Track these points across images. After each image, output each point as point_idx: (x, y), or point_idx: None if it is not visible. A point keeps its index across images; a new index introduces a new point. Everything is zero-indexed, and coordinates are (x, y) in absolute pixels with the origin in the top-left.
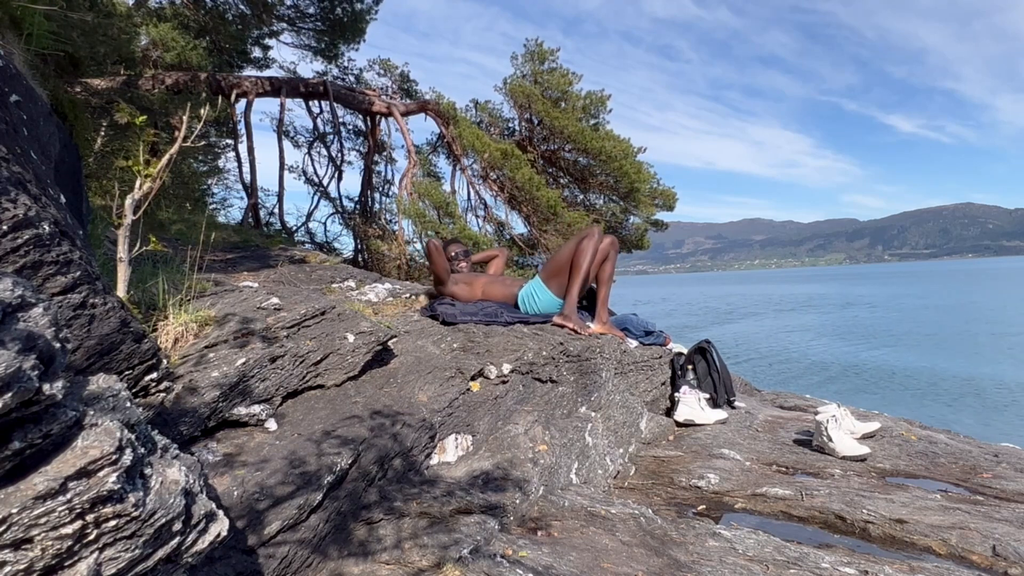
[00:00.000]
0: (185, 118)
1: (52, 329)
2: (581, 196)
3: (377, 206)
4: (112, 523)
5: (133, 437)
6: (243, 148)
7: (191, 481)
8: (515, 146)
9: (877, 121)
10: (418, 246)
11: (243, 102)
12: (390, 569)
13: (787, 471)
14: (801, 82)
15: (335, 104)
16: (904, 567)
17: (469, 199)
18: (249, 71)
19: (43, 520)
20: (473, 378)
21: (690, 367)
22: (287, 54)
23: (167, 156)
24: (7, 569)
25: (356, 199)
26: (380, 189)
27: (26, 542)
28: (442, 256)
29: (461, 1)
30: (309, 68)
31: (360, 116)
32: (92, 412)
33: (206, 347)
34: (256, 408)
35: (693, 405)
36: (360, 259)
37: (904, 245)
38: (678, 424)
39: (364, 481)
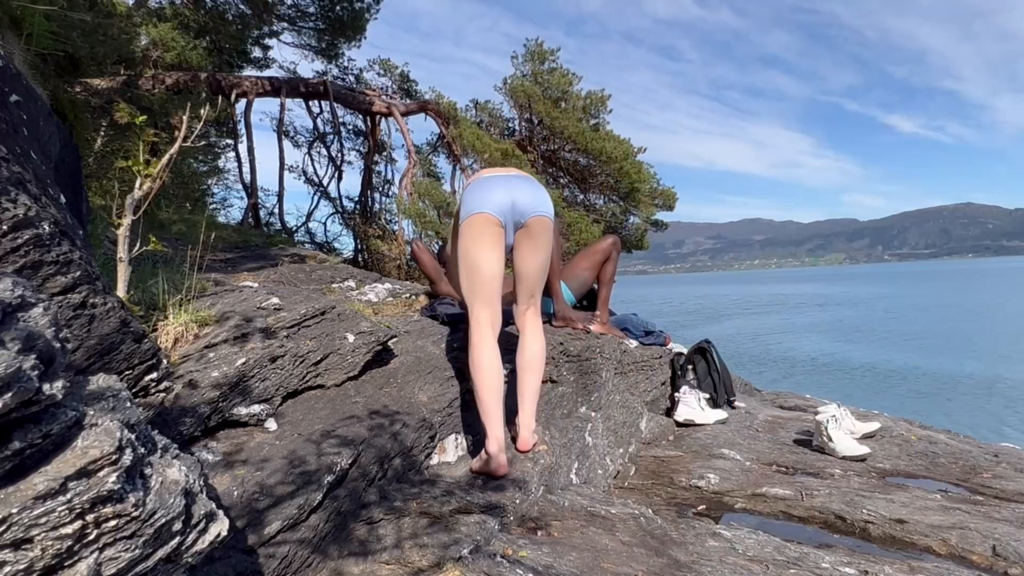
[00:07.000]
0: (185, 118)
1: (52, 329)
2: (581, 196)
3: (377, 206)
4: (112, 523)
5: (133, 437)
6: (243, 148)
7: (191, 481)
8: (515, 146)
9: (878, 121)
10: None
11: (243, 102)
12: (390, 569)
13: (787, 471)
14: (802, 82)
15: (335, 104)
16: (904, 567)
17: None
18: (249, 71)
19: (43, 520)
20: None
21: (690, 367)
22: (287, 54)
23: (167, 156)
24: (7, 569)
25: (356, 199)
26: (380, 189)
27: (26, 542)
28: (427, 255)
29: (464, 1)
30: (309, 68)
31: (360, 116)
32: (92, 412)
33: (206, 347)
34: (256, 408)
35: (693, 405)
36: (360, 259)
37: (904, 245)
38: (678, 424)
39: (364, 481)
